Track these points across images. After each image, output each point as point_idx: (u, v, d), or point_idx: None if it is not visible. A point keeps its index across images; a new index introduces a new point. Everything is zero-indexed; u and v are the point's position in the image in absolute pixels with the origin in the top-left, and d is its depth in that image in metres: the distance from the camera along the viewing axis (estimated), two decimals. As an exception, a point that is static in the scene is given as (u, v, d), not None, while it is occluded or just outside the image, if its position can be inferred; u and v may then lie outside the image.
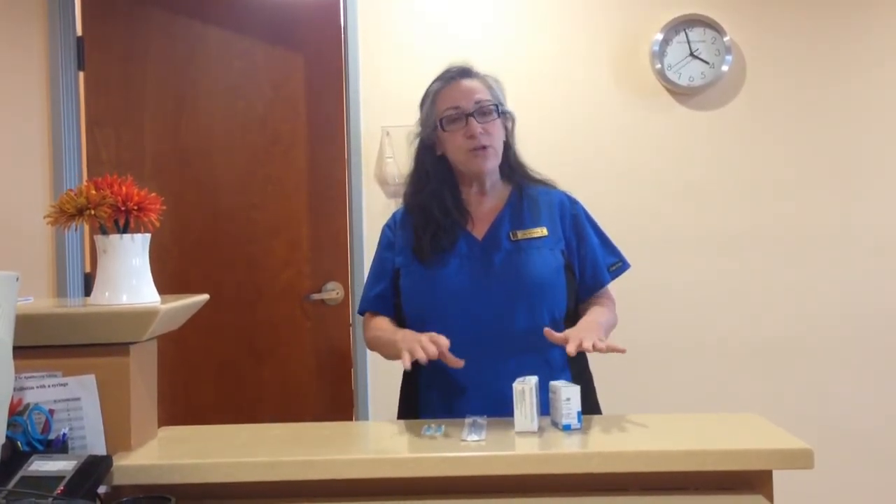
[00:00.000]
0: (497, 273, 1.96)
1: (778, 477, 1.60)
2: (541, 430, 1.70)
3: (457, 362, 1.79)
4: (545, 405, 1.77)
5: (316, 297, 3.23)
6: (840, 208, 3.16)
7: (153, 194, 1.72)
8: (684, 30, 3.14)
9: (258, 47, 3.22)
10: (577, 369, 2.00)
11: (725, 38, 3.12)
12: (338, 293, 3.24)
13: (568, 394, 1.71)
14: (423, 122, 2.05)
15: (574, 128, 3.14)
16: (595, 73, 3.16)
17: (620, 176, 3.14)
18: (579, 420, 1.71)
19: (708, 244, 3.16)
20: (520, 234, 1.99)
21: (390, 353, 1.94)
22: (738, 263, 3.16)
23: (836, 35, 3.16)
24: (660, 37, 3.12)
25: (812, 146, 3.17)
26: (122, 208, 1.66)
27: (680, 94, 3.16)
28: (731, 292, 3.16)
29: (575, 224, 2.04)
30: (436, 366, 1.92)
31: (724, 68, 3.12)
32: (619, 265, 2.08)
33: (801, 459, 1.54)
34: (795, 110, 3.17)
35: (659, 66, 3.12)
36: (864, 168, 3.17)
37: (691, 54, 3.13)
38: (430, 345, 1.75)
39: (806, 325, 3.16)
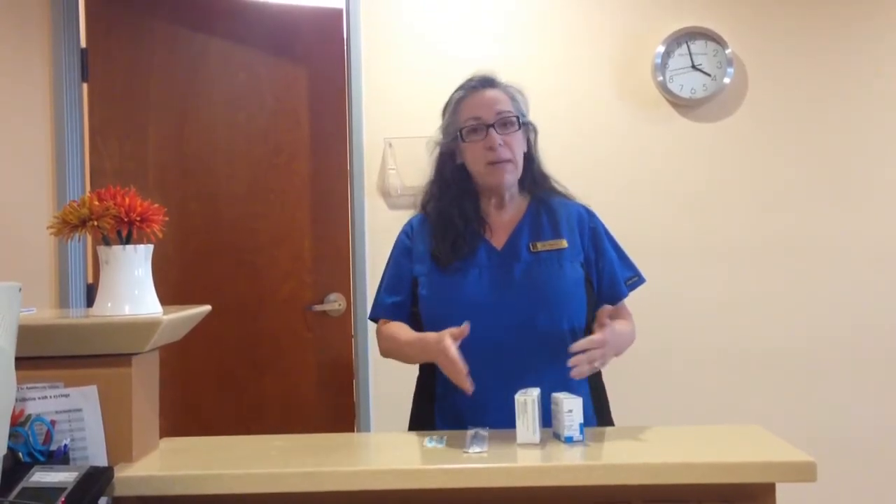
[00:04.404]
0: (517, 284, 1.95)
1: (781, 489, 1.60)
2: (543, 441, 1.70)
3: (466, 387, 1.78)
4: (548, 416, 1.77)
5: (318, 308, 3.23)
6: (841, 219, 3.16)
7: (156, 205, 1.72)
8: (686, 42, 3.15)
9: (261, 59, 3.23)
10: (595, 382, 1.99)
11: (727, 51, 3.13)
12: (340, 304, 3.24)
13: (570, 405, 1.70)
14: (444, 130, 2.04)
15: (576, 140, 3.14)
16: (597, 86, 3.17)
17: (622, 187, 3.14)
18: (581, 432, 1.71)
19: (709, 255, 3.16)
20: (539, 246, 1.98)
21: (413, 358, 1.97)
22: (740, 274, 3.16)
23: (837, 48, 3.17)
24: (661, 49, 3.13)
25: (813, 158, 3.18)
26: (125, 219, 1.66)
27: (681, 106, 3.16)
28: (733, 303, 3.16)
29: (593, 237, 2.03)
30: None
31: (726, 80, 3.13)
32: (635, 279, 2.07)
33: (804, 472, 1.54)
34: (797, 122, 3.18)
35: (661, 77, 3.13)
36: (865, 179, 3.17)
37: (693, 66, 3.14)
38: (462, 378, 1.76)
39: (808, 336, 3.16)
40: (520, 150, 2.00)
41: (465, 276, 1.96)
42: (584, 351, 1.78)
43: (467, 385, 1.76)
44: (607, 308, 1.84)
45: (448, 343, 1.78)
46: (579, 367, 1.76)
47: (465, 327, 1.78)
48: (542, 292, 1.93)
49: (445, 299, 1.96)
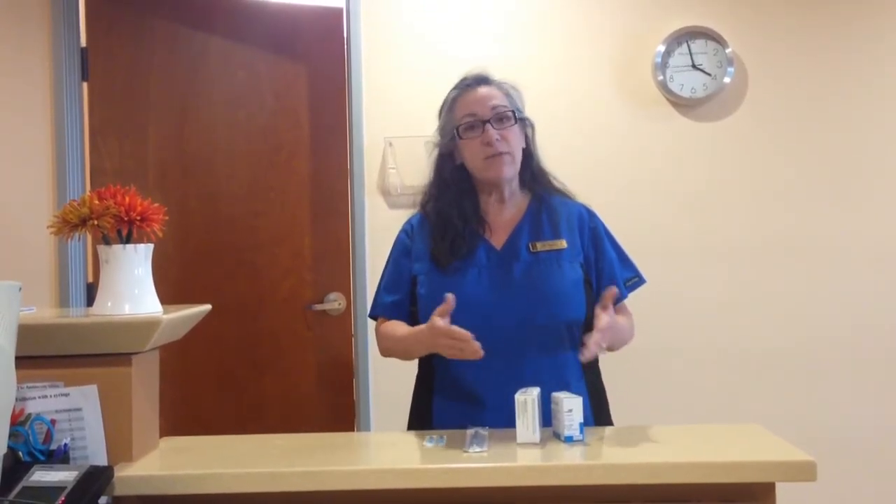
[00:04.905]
0: (516, 284, 1.94)
1: (781, 489, 1.60)
2: (543, 441, 1.70)
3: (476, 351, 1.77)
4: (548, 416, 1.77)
5: (318, 307, 3.23)
6: (842, 218, 3.16)
7: (156, 204, 1.72)
8: (686, 41, 3.15)
9: (261, 58, 3.23)
10: (593, 382, 1.99)
11: (727, 50, 3.13)
12: (340, 304, 3.24)
13: (570, 405, 1.70)
14: (441, 130, 2.04)
15: (576, 139, 3.14)
16: (597, 86, 3.17)
17: (622, 187, 3.14)
18: (581, 431, 1.71)
19: (709, 255, 3.16)
20: (539, 246, 1.98)
21: (410, 352, 1.96)
22: (740, 274, 3.16)
23: (837, 46, 3.17)
24: (662, 48, 3.13)
25: (814, 157, 3.18)
26: (125, 218, 1.66)
27: (682, 105, 3.16)
28: (733, 302, 3.16)
29: (593, 238, 2.02)
30: (450, 375, 1.91)
31: (726, 80, 3.13)
32: (635, 280, 2.07)
33: (804, 471, 1.54)
34: (797, 121, 3.18)
35: (661, 77, 3.13)
36: (866, 179, 3.17)
37: (693, 66, 3.14)
38: (468, 344, 1.75)
39: (808, 336, 3.16)
40: (517, 144, 1.99)
41: (465, 275, 1.96)
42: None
43: (477, 349, 1.75)
44: (613, 290, 1.84)
45: (438, 322, 1.77)
46: (589, 350, 1.77)
47: (450, 300, 1.77)
48: (540, 292, 1.93)
49: (444, 299, 1.95)
